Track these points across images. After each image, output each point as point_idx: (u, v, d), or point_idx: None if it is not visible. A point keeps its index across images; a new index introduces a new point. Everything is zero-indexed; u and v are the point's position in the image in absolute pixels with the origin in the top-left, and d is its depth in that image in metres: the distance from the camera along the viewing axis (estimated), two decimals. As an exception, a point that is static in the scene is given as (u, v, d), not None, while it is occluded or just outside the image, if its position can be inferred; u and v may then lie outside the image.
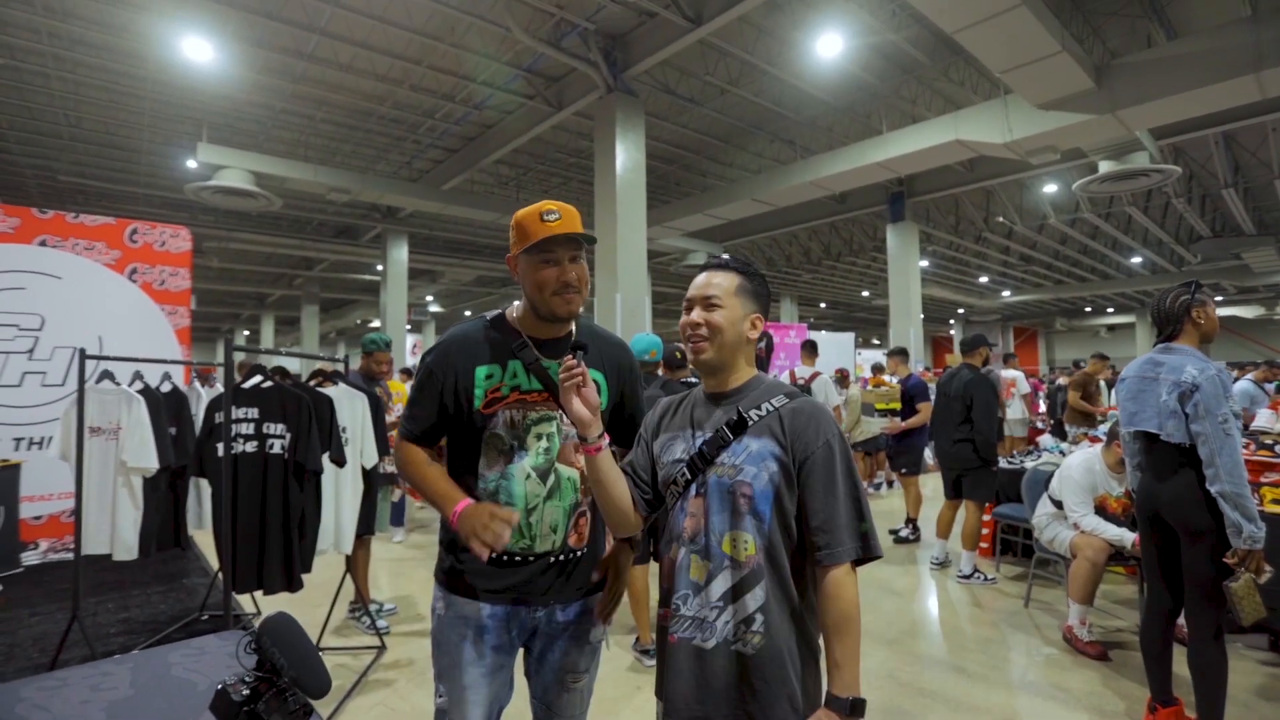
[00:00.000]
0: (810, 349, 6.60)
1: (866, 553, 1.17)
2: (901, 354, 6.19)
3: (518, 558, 1.39)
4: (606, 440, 1.28)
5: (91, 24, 7.32)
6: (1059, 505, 3.65)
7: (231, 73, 8.39)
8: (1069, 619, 3.41)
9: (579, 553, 1.46)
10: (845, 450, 1.22)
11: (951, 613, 3.96)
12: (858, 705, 1.10)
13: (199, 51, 7.34)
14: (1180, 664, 2.50)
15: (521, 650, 1.50)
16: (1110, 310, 29.44)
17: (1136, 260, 19.10)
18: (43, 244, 5.27)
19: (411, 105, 9.75)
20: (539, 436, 1.41)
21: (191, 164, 10.15)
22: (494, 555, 1.32)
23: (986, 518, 5.02)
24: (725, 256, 1.34)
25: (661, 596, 1.31)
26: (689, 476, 1.25)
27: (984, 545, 5.07)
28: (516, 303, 1.51)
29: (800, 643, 1.19)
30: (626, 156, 8.39)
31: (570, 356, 1.23)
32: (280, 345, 29.71)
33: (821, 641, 1.23)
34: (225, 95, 9.09)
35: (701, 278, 1.32)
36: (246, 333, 31.49)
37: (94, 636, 3.42)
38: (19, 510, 4.84)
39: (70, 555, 3.21)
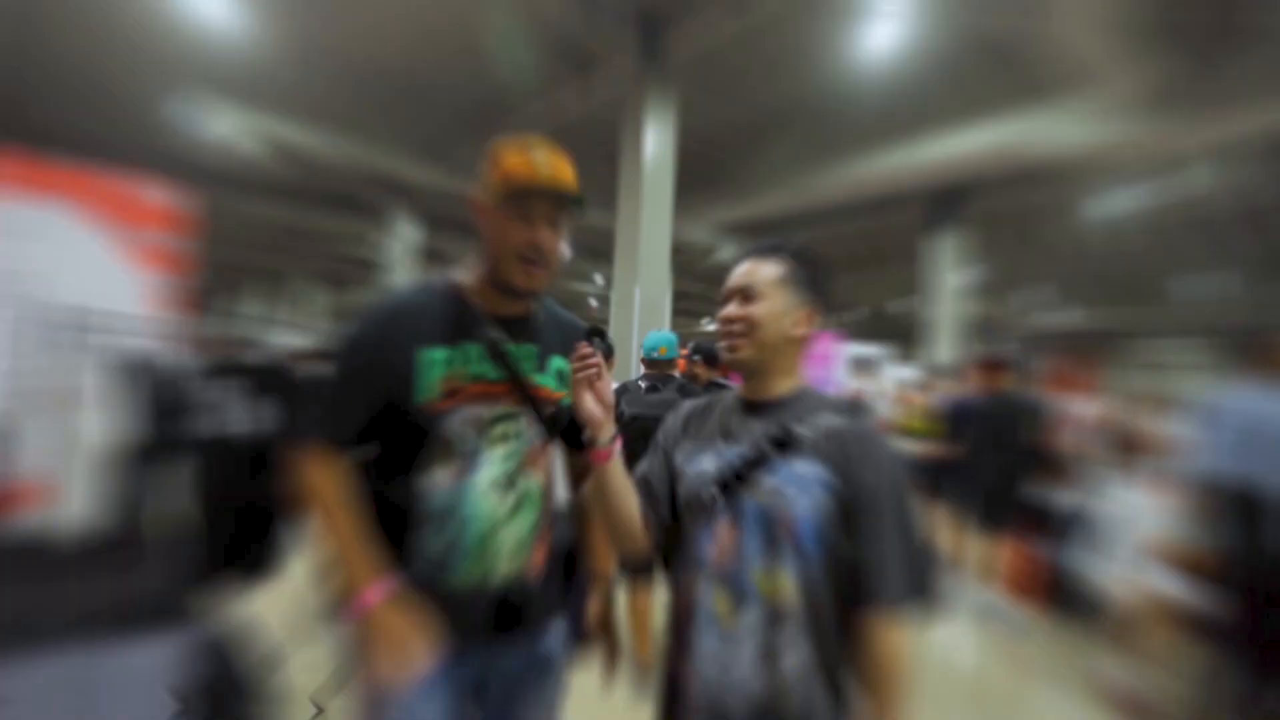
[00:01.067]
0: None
1: (928, 604, 1.04)
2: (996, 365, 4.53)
3: (471, 592, 1.11)
4: (619, 445, 1.10)
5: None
6: (1117, 551, 3.22)
7: (237, 26, 8.08)
8: (1126, 679, 2.99)
9: (538, 579, 1.20)
10: (907, 483, 1.07)
11: (991, 666, 3.54)
12: None
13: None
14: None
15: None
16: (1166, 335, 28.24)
17: (1195, 281, 18.18)
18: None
19: (430, 78, 9.45)
20: (501, 439, 1.14)
21: (186, 119, 9.91)
22: (448, 595, 1.07)
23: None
24: (772, 241, 1.19)
25: (673, 632, 1.13)
26: (719, 497, 1.09)
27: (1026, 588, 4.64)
28: (469, 270, 1.21)
29: (837, 702, 1.03)
30: (656, 141, 8.01)
31: (586, 343, 1.08)
32: (278, 320, 29.85)
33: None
34: (230, 48, 8.72)
35: (742, 266, 1.17)
36: (244, 307, 31.50)
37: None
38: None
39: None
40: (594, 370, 1.06)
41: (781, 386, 1.14)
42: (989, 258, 16.41)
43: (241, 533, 2.40)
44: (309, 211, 15.96)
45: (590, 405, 1.07)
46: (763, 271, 1.14)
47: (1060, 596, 4.39)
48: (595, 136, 11.24)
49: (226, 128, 9.46)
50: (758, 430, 1.11)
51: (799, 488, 1.04)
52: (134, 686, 1.19)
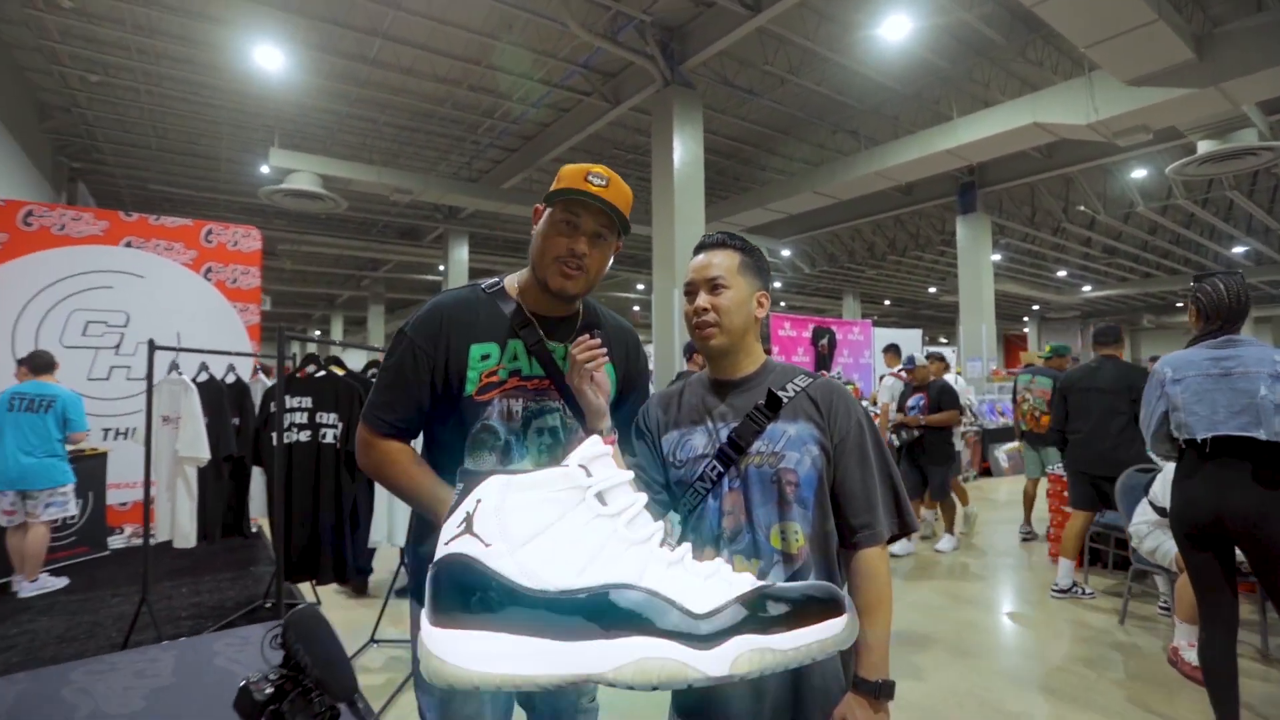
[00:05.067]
0: (894, 350, 6.80)
1: (904, 529, 1.17)
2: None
3: None
4: (615, 435, 1.15)
5: (175, 39, 7.73)
6: (1162, 513, 3.30)
7: (300, 79, 8.71)
8: (1174, 639, 3.08)
9: None
10: (874, 426, 1.21)
11: (1039, 628, 3.66)
12: (886, 687, 1.07)
13: (270, 60, 7.64)
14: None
15: None
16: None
17: (1239, 250, 17.62)
18: (128, 245, 5.56)
19: (471, 105, 9.91)
20: (540, 431, 1.22)
21: (265, 169, 10.62)
22: None
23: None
24: (719, 233, 1.26)
25: None
26: (721, 469, 1.15)
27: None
28: (518, 273, 1.32)
29: None
30: (684, 150, 8.25)
31: (589, 335, 1.13)
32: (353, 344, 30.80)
33: None
34: (295, 101, 9.45)
35: (700, 259, 1.23)
36: (318, 332, 32.92)
37: (165, 619, 3.55)
38: (106, 496, 5.13)
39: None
40: (599, 361, 1.12)
41: (751, 363, 1.22)
42: (1015, 238, 16.16)
43: (322, 536, 2.66)
44: (378, 243, 16.79)
45: (592, 397, 1.12)
46: (724, 261, 1.20)
47: (1105, 560, 4.47)
48: (628, 143, 11.56)
49: (305, 178, 10.21)
50: (740, 404, 1.18)
51: (794, 447, 1.13)
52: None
